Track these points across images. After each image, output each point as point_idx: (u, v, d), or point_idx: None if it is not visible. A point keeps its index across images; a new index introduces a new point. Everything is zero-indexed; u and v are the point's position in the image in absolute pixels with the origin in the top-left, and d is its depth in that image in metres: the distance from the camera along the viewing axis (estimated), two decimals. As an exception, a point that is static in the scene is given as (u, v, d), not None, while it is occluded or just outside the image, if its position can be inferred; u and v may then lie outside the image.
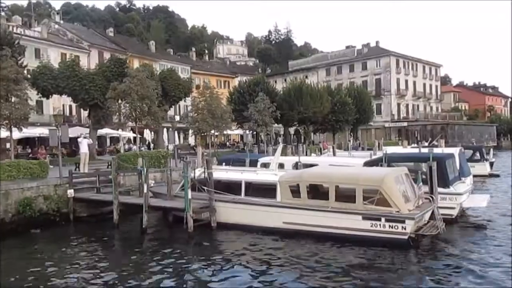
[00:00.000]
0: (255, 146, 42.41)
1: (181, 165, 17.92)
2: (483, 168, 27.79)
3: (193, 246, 12.33)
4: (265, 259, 10.59)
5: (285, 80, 74.47)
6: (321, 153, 32.19)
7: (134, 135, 31.29)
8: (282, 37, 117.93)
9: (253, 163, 19.52)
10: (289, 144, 39.98)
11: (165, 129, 37.16)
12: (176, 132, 35.06)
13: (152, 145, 37.77)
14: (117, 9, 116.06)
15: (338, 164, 17.27)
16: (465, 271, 9.32)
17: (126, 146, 39.75)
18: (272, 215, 12.66)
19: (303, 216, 12.15)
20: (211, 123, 30.87)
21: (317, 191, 13.10)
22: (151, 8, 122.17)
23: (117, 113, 26.57)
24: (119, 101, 25.15)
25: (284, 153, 22.90)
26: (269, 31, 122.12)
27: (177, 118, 54.51)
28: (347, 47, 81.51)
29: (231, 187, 13.89)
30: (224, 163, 19.68)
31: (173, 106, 42.19)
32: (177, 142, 34.91)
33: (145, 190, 14.06)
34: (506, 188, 22.64)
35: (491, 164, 30.39)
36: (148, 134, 40.92)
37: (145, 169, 14.61)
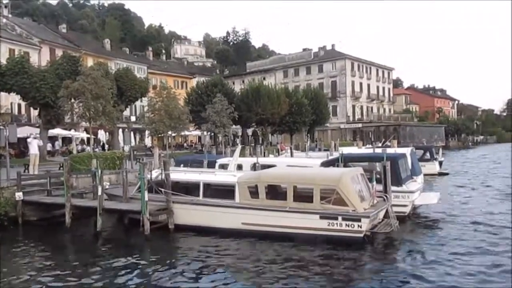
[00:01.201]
0: (213, 147, 42.20)
1: (137, 166, 17.52)
2: (433, 167, 29.00)
3: (149, 249, 12.07)
4: (224, 260, 10.54)
5: (243, 81, 74.71)
6: (279, 154, 32.44)
7: (88, 135, 30.30)
8: (240, 38, 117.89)
9: (211, 164, 19.40)
10: (247, 145, 40.02)
11: (120, 130, 36.22)
12: (132, 133, 34.18)
13: (106, 146, 36.72)
14: (70, 4, 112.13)
15: (296, 164, 17.44)
16: (417, 266, 9.65)
17: (79, 147, 38.38)
18: (230, 216, 12.61)
19: (262, 217, 12.18)
20: (168, 124, 30.41)
21: (275, 192, 13.18)
22: (106, 5, 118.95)
23: (70, 113, 25.63)
24: (72, 100, 24.25)
25: (242, 154, 22.90)
26: (227, 33, 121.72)
27: (133, 118, 53.37)
28: (304, 49, 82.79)
29: (189, 189, 13.72)
30: (182, 165, 19.44)
31: (129, 106, 41.24)
32: (133, 143, 34.09)
33: (99, 192, 13.62)
34: (454, 186, 23.73)
35: (440, 163, 31.76)
36: (102, 135, 39.70)
37: (99, 170, 14.17)
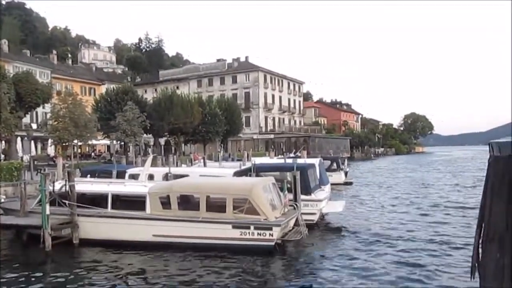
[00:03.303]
0: (123, 156, 40.59)
1: (38, 177, 16.23)
2: (339, 177, 30.60)
3: (51, 267, 11.17)
4: (133, 275, 10.10)
5: (156, 90, 73.03)
6: (192, 164, 32.09)
7: (-20, 144, 27.48)
8: (153, 46, 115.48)
9: (121, 175, 18.59)
10: (159, 155, 39.10)
11: (19, 138, 33.38)
12: (32, 142, 31.71)
13: (2, 156, 33.58)
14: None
15: (209, 174, 17.39)
16: (324, 271, 10.08)
17: (-30, 157, 34.60)
18: (141, 228, 12.16)
19: (174, 228, 11.92)
20: (73, 132, 28.71)
21: (188, 202, 12.99)
22: (4, 2, 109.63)
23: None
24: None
25: (154, 164, 22.29)
26: (140, 39, 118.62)
27: (34, 126, 49.50)
28: (218, 60, 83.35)
29: (96, 201, 13.00)
30: (89, 175, 18.39)
31: (29, 113, 38.24)
32: (33, 153, 31.59)
33: (-8, 207, 12.38)
34: (358, 194, 25.27)
35: (346, 173, 33.67)
36: (-3, 144, 36.25)
37: (-7, 182, 12.90)
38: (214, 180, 14.48)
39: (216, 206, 12.14)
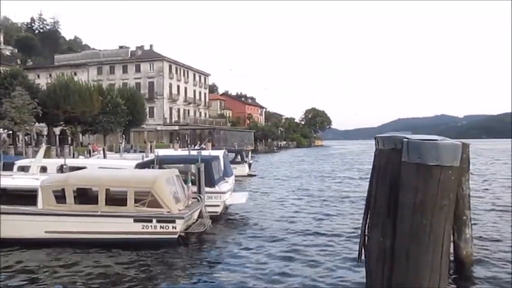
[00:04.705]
0: (12, 147, 37.20)
1: None
2: (243, 169, 31.30)
3: None
4: (18, 275, 9.34)
5: (50, 75, 67.81)
6: (90, 155, 30.48)
7: None
8: (48, 27, 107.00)
9: (9, 167, 17.00)
10: (54, 146, 36.50)
11: None
12: None
13: None
14: None
15: (109, 166, 16.67)
16: (227, 261, 10.26)
17: None
18: (32, 224, 11.28)
19: (70, 223, 11.25)
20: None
21: (85, 196, 12.34)
22: None
23: None
24: None
25: (47, 155, 20.78)
26: (32, 19, 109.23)
27: None
28: (121, 47, 79.85)
29: (-22, 195, 11.77)
30: (-32, 167, 16.55)
31: None
32: None
33: None
34: (261, 186, 26.03)
35: (250, 165, 34.50)
36: None
37: None
38: (114, 173, 13.92)
39: (116, 199, 11.70)
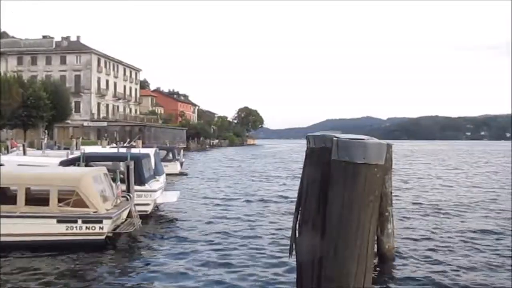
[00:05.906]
0: None
1: None
2: (174, 167, 30.80)
3: None
4: None
5: (-37, 64, 62.27)
6: (8, 152, 28.46)
7: None
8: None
9: None
10: (-34, 141, 33.58)
11: None
12: None
13: None
14: None
15: (29, 163, 15.73)
16: (157, 261, 10.04)
17: None
18: None
19: (-17, 225, 10.39)
20: None
21: (3, 195, 11.45)
22: None
23: None
24: None
25: (-42, 151, 19.04)
26: None
27: None
28: (44, 37, 75.14)
29: None
30: None
31: None
32: None
33: None
34: (193, 185, 25.77)
35: (181, 163, 34.01)
36: None
37: None
38: (35, 170, 13.06)
39: (38, 199, 11.01)
